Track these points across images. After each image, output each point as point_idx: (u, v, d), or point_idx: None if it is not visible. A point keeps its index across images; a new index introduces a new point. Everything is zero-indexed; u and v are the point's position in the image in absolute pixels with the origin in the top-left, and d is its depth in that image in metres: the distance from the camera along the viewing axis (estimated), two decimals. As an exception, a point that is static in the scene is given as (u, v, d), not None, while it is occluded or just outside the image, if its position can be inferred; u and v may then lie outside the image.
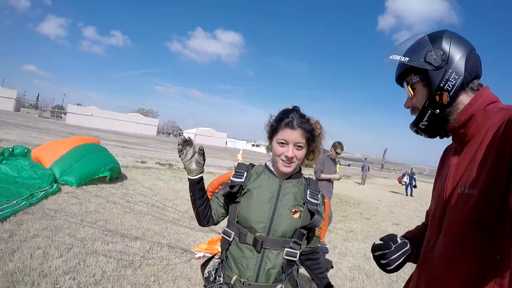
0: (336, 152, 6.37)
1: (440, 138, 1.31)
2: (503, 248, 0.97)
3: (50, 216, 5.01)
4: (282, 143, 1.56)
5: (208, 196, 1.72)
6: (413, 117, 1.30)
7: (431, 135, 1.29)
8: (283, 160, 1.57)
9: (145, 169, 12.57)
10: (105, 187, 7.72)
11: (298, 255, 1.59)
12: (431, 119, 1.21)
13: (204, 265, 1.77)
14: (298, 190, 1.63)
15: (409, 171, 22.51)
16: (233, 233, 1.60)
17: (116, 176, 8.74)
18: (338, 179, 6.45)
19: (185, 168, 1.61)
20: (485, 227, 1.00)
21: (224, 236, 1.64)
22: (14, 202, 5.16)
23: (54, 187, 6.52)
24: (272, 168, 1.67)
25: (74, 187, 7.05)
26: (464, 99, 1.17)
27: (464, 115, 1.16)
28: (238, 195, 1.60)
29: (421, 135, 1.30)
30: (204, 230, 5.73)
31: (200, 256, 4.45)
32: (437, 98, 1.17)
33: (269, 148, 1.69)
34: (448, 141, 1.34)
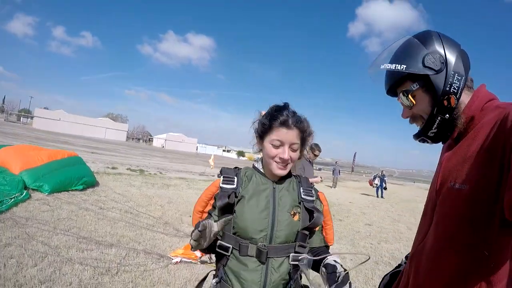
0: (314, 155, 6.37)
1: (443, 143, 1.28)
2: (492, 244, 0.99)
3: (22, 224, 4.90)
4: (277, 144, 1.44)
5: (200, 217, 1.59)
6: (413, 126, 1.27)
7: (438, 141, 1.25)
8: (277, 162, 1.46)
9: (116, 175, 12.37)
10: (76, 193, 7.56)
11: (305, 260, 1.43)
12: (441, 126, 1.16)
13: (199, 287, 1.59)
14: (292, 190, 1.54)
15: (380, 174, 23.04)
16: (231, 246, 1.43)
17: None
18: (320, 182, 6.45)
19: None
20: (474, 223, 1.02)
21: (220, 251, 1.45)
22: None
23: (24, 194, 6.35)
24: (262, 170, 1.56)
25: (46, 194, 6.89)
26: (465, 99, 1.16)
27: (465, 115, 1.14)
28: (233, 204, 1.44)
29: (428, 143, 1.25)
30: (179, 235, 5.75)
31: (177, 261, 4.47)
32: (445, 102, 1.12)
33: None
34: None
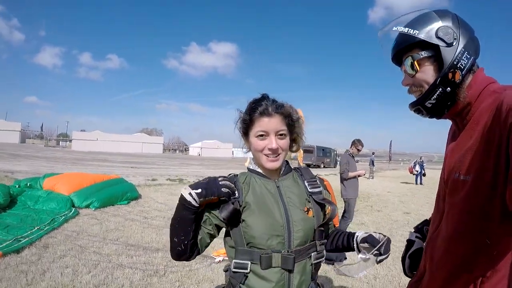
0: (358, 149, 6.51)
1: (437, 118, 1.28)
2: (494, 234, 1.02)
3: (73, 237, 5.32)
4: (262, 135, 1.35)
5: None
6: (411, 97, 1.28)
7: (433, 115, 1.25)
8: (267, 155, 1.36)
9: (156, 186, 12.88)
10: (121, 207, 8.04)
11: (324, 254, 1.42)
12: (440, 98, 1.16)
13: None
14: (297, 184, 1.45)
15: (419, 160, 22.56)
16: (249, 262, 1.28)
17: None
18: (364, 175, 6.61)
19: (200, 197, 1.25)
20: (477, 213, 1.04)
21: (237, 270, 1.31)
22: (38, 227, 5.46)
23: (73, 211, 6.83)
24: (258, 170, 1.45)
25: (93, 209, 7.40)
26: (468, 80, 1.16)
27: (467, 95, 1.15)
28: (239, 212, 1.32)
29: (422, 114, 1.25)
30: (220, 236, 5.97)
31: (219, 260, 4.72)
32: (450, 75, 1.13)
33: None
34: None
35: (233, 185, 1.30)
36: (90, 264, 4.27)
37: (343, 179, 6.22)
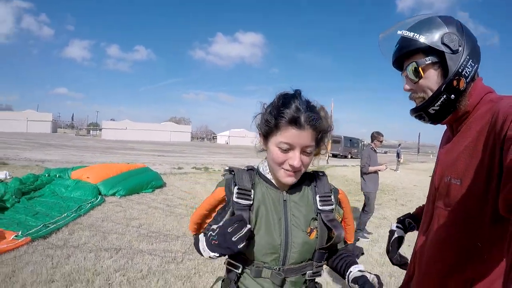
0: (379, 141, 6.55)
1: (434, 124, 1.27)
2: (484, 238, 1.04)
3: (98, 224, 5.60)
4: (285, 148, 1.16)
5: (197, 228, 1.38)
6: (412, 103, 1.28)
7: (435, 121, 1.25)
8: (286, 170, 1.19)
9: (182, 174, 13.17)
10: (146, 195, 8.32)
11: (322, 271, 1.32)
12: (443, 104, 1.16)
13: None
14: (306, 200, 1.29)
15: None
16: (241, 266, 1.25)
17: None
18: (384, 170, 6.59)
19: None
20: (468, 217, 1.07)
21: (230, 268, 1.28)
22: (65, 214, 5.77)
23: (99, 198, 7.14)
24: (268, 177, 1.30)
25: (119, 197, 7.72)
26: (469, 88, 1.17)
27: (468, 104, 1.16)
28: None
29: (423, 120, 1.25)
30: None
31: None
32: (455, 83, 1.12)
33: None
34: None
35: (245, 232, 1.10)
36: (112, 249, 4.51)
37: (363, 173, 6.30)
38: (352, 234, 1.43)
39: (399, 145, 28.97)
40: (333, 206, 1.29)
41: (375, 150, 6.50)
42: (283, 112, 1.13)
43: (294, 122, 1.12)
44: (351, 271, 1.23)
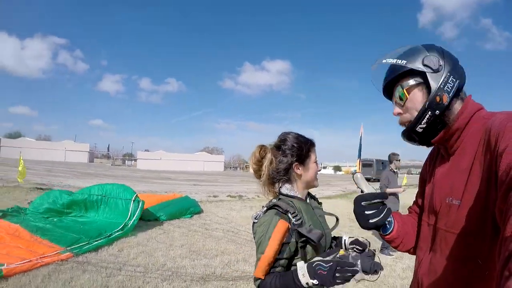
0: (398, 161, 6.84)
1: (427, 147, 1.34)
2: (486, 254, 1.04)
3: (144, 244, 6.28)
4: (316, 162, 1.74)
5: (266, 271, 1.43)
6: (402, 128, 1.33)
7: (425, 141, 1.29)
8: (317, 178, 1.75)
9: (217, 202, 13.80)
10: (185, 220, 9.00)
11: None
12: (430, 122, 1.21)
13: None
14: (312, 202, 1.79)
15: None
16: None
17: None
18: (402, 192, 6.71)
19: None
20: (469, 236, 1.09)
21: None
22: (109, 235, 6.46)
23: (136, 215, 7.79)
24: (295, 194, 1.68)
25: (162, 221, 8.46)
26: (458, 106, 1.22)
27: (457, 120, 1.20)
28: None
29: (413, 141, 1.30)
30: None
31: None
32: (438, 99, 1.17)
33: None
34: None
35: (347, 277, 1.32)
36: (158, 264, 5.16)
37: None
38: None
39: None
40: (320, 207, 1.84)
41: (394, 172, 6.77)
42: (307, 141, 1.73)
43: (314, 144, 1.76)
44: (345, 239, 1.71)
